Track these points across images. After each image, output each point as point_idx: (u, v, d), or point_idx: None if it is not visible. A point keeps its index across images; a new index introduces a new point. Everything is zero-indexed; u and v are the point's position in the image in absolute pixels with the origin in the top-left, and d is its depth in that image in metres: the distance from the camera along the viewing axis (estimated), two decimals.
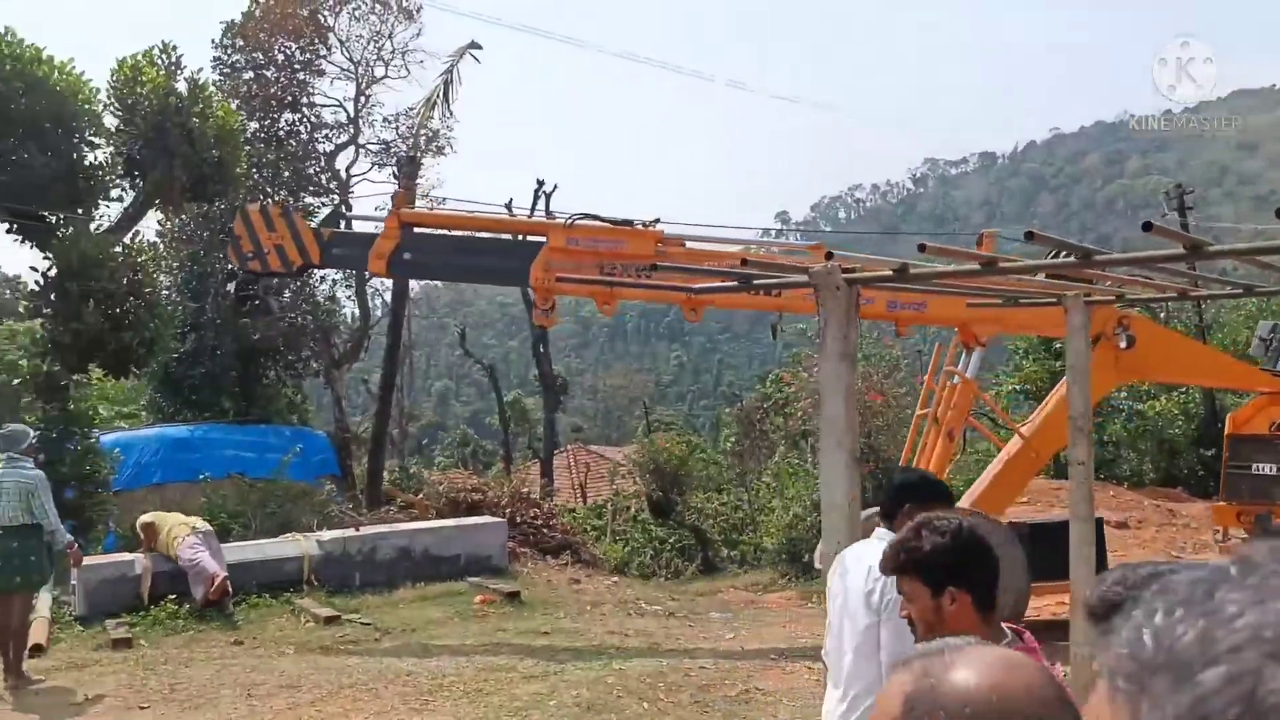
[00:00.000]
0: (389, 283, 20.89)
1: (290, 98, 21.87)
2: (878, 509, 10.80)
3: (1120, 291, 6.32)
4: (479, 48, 23.06)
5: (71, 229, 13.67)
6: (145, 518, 12.08)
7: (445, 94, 22.78)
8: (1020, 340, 23.95)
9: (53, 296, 13.41)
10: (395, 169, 22.14)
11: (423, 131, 23.46)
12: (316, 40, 22.34)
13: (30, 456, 8.94)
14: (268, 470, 15.65)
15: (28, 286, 14.34)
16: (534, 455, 30.63)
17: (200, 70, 15.70)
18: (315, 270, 17.07)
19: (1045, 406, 11.92)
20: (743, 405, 26.73)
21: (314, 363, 21.85)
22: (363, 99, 23.57)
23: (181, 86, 14.85)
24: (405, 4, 23.51)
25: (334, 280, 22.91)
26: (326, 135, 23.17)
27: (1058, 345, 20.32)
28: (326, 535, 13.14)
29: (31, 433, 9.27)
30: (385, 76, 23.69)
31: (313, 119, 22.74)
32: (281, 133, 21.79)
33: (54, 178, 13.41)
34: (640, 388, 79.56)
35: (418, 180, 20.81)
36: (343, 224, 14.04)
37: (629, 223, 10.92)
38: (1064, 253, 5.30)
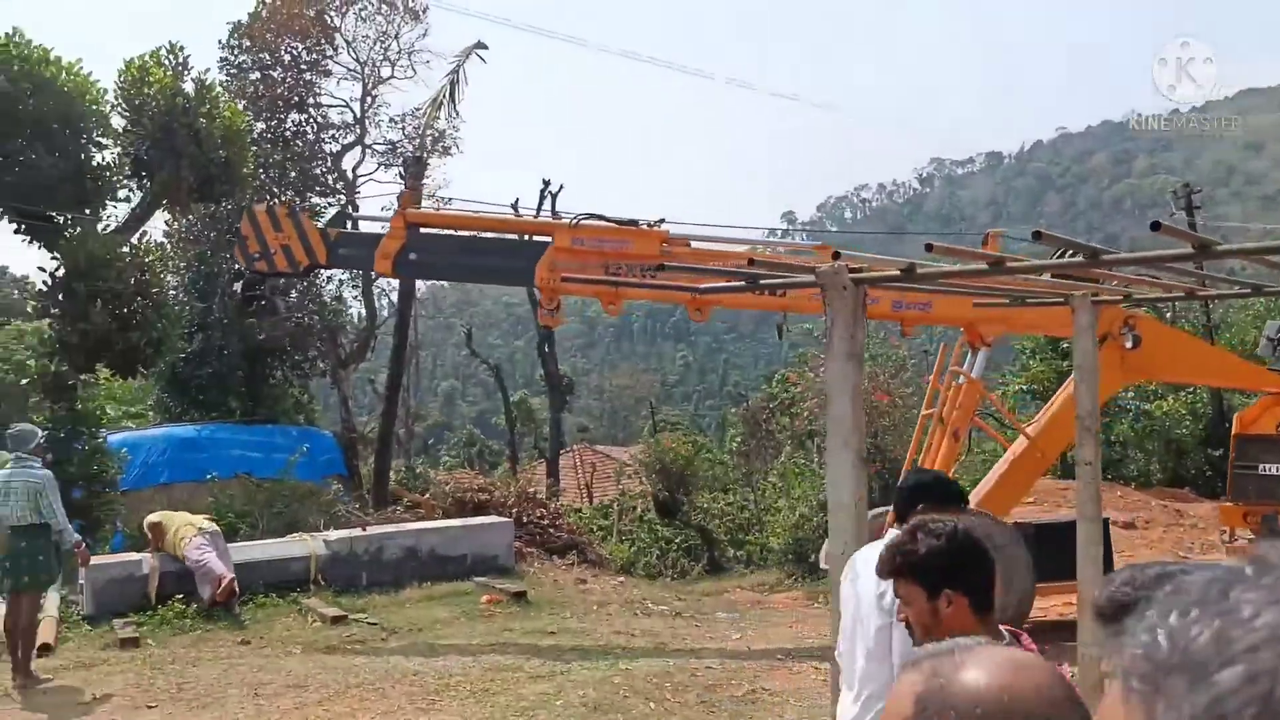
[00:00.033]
0: (395, 283, 20.91)
1: (297, 98, 21.91)
2: (885, 509, 10.81)
3: (1128, 291, 6.31)
4: (485, 48, 23.08)
5: (79, 229, 13.71)
6: (152, 517, 12.11)
7: (451, 94, 22.80)
8: (1027, 340, 23.90)
9: (60, 297, 13.44)
10: (401, 169, 22.19)
11: (429, 132, 23.49)
12: (323, 41, 22.39)
13: (38, 456, 8.97)
14: (274, 470, 15.69)
15: (35, 287, 14.38)
16: (540, 455, 30.65)
17: (207, 71, 15.75)
18: (322, 270, 17.11)
19: (1051, 406, 11.89)
20: (748, 405, 26.76)
21: (320, 363, 21.89)
22: (369, 99, 23.65)
23: (189, 87, 14.89)
24: (412, 4, 23.57)
25: (341, 280, 22.96)
26: (333, 135, 23.24)
27: (1065, 345, 20.28)
28: (333, 535, 13.16)
29: (39, 433, 9.29)
30: (392, 77, 23.77)
31: (319, 119, 22.80)
32: (288, 133, 21.84)
33: (62, 178, 13.44)
34: (646, 388, 79.54)
35: (424, 180, 20.86)
36: (349, 224, 14.08)
37: (634, 223, 10.92)
38: (1070, 252, 5.29)
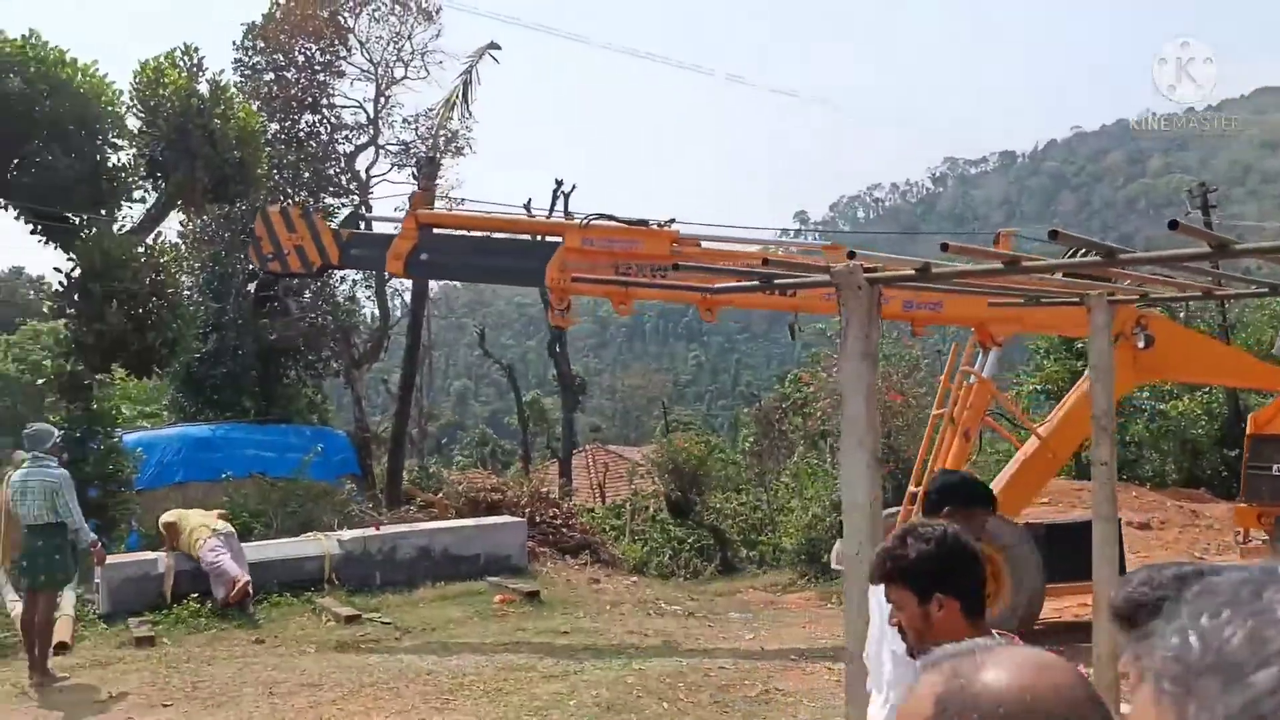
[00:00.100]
0: (409, 283, 20.97)
1: (310, 99, 21.99)
2: (896, 509, 10.74)
3: (1144, 291, 6.27)
4: (498, 48, 23.09)
5: (95, 230, 13.78)
6: (167, 517, 12.17)
7: (464, 95, 22.82)
8: (1041, 340, 23.81)
9: (76, 297, 13.52)
10: (415, 170, 22.23)
11: (442, 132, 23.52)
12: (336, 42, 22.45)
13: (55, 456, 9.02)
14: (288, 470, 15.75)
15: (51, 287, 14.46)
16: (553, 455, 30.68)
17: (221, 72, 15.80)
18: (335, 271, 17.17)
19: (1063, 406, 11.84)
20: (761, 405, 26.72)
21: (334, 363, 21.97)
22: (382, 100, 23.69)
23: (203, 88, 14.95)
24: (425, 5, 23.61)
25: (354, 281, 23.02)
26: (346, 136, 23.28)
27: (1079, 345, 20.20)
28: (347, 534, 13.20)
29: (56, 432, 9.35)
30: (405, 77, 23.81)
31: (333, 120, 22.86)
32: (302, 134, 21.91)
33: (77, 179, 13.52)
34: (658, 388, 79.52)
35: (437, 181, 20.90)
36: (362, 225, 14.11)
37: (644, 223, 10.93)
38: (1084, 251, 5.27)
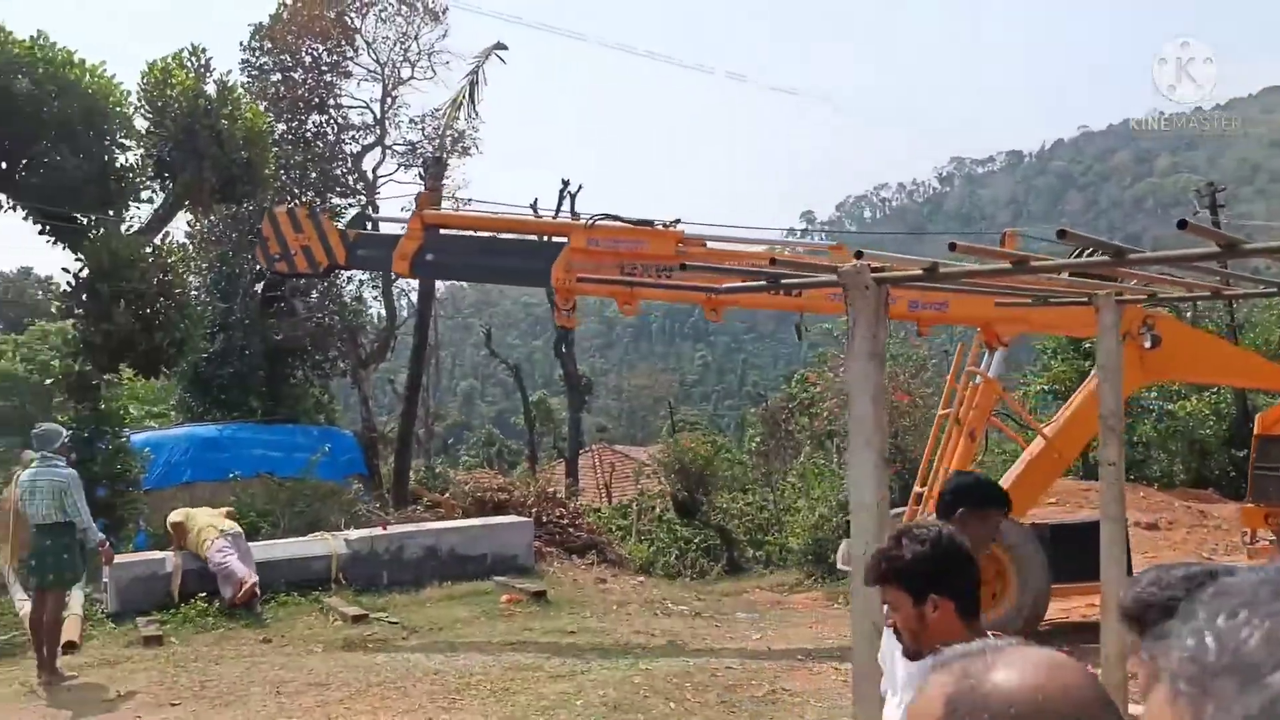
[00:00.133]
0: (415, 283, 20.98)
1: (317, 99, 22.02)
2: (902, 509, 10.72)
3: (1152, 291, 6.26)
4: (505, 48, 23.13)
5: (103, 230, 13.81)
6: (174, 516, 12.19)
7: (471, 95, 22.86)
8: (1049, 340, 23.77)
9: (84, 297, 13.55)
10: (421, 170, 22.26)
11: (449, 132, 23.55)
12: (343, 42, 22.48)
13: (63, 455, 9.06)
14: (296, 469, 15.77)
15: (60, 287, 14.50)
16: (559, 455, 30.70)
17: (229, 72, 15.83)
18: (342, 271, 17.19)
19: (1069, 407, 11.82)
20: (768, 405, 26.71)
21: (341, 363, 21.99)
22: (389, 100, 23.73)
23: (210, 89, 14.98)
24: (431, 5, 23.64)
25: (361, 281, 23.05)
26: (353, 136, 23.32)
27: (1087, 345, 20.17)
28: (354, 534, 13.22)
29: (64, 432, 9.38)
30: (411, 78, 23.84)
31: (340, 120, 22.90)
32: (309, 134, 21.94)
33: (85, 180, 13.55)
34: (665, 388, 79.54)
35: (444, 181, 20.93)
36: (369, 225, 14.13)
37: (649, 223, 10.94)
38: (1090, 251, 5.25)
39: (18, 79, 13.00)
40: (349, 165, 23.05)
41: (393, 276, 21.18)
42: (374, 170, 23.60)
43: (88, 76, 13.60)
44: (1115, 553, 5.82)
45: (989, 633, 2.75)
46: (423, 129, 24.09)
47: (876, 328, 4.08)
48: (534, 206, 17.82)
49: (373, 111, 23.58)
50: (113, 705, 8.24)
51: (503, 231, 12.18)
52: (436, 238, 11.49)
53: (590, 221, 11.14)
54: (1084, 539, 8.88)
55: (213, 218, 19.23)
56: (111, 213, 14.18)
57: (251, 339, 19.22)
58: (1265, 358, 15.83)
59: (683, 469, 19.99)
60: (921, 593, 2.65)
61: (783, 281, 5.39)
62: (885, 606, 2.79)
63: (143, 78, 14.60)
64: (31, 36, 13.37)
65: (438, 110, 24.05)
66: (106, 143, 13.99)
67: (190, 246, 19.54)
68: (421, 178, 21.64)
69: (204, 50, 15.30)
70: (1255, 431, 13.02)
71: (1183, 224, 3.86)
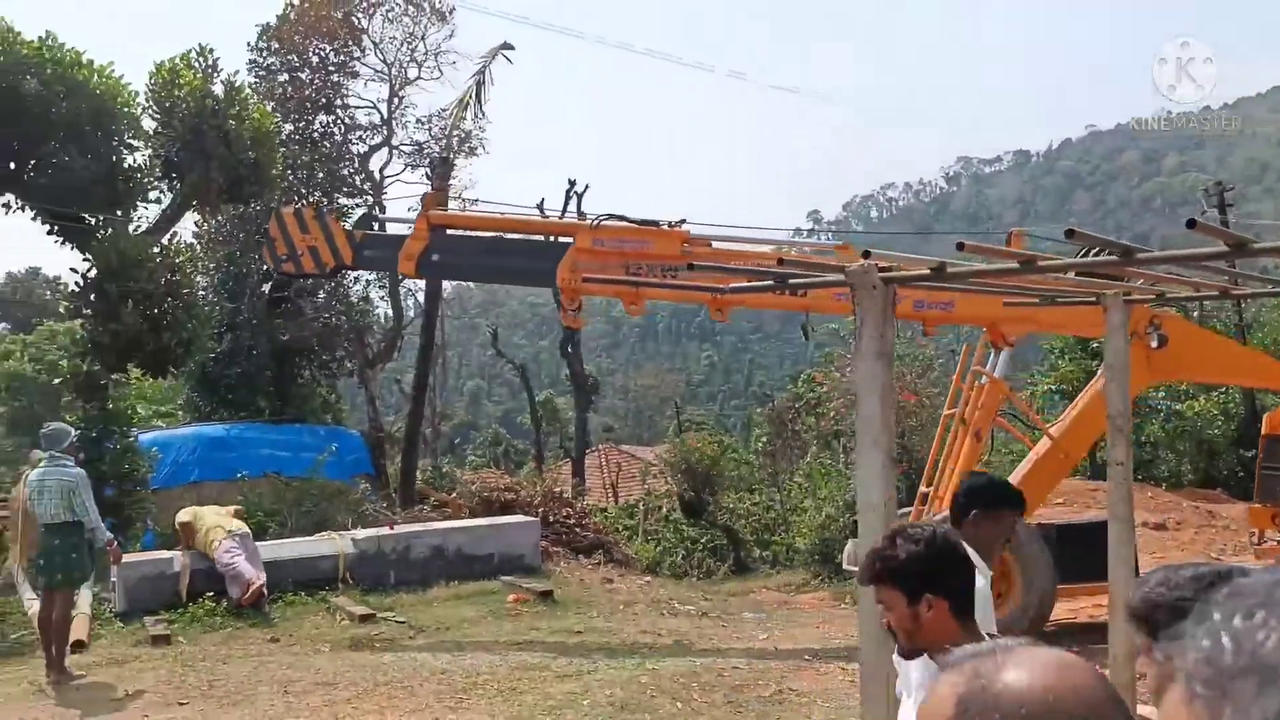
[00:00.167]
0: (422, 283, 21.03)
1: (324, 99, 22.07)
2: (908, 510, 10.67)
3: (1160, 290, 6.24)
4: (511, 48, 23.13)
5: (111, 230, 13.85)
6: (183, 515, 12.21)
7: (478, 95, 22.88)
8: (1056, 340, 23.71)
9: (92, 297, 13.60)
10: (428, 170, 22.28)
11: (455, 133, 23.57)
12: (350, 42, 22.52)
13: (71, 455, 9.08)
14: (303, 469, 15.80)
15: (68, 287, 14.55)
16: (566, 455, 30.69)
17: (236, 73, 15.88)
18: (348, 271, 17.22)
19: (1075, 407, 11.79)
20: (774, 405, 26.66)
21: (348, 363, 22.03)
22: (396, 100, 23.76)
23: (218, 89, 15.02)
24: (438, 5, 23.67)
25: (368, 281, 23.09)
26: (360, 137, 23.37)
27: (1094, 345, 20.11)
28: (361, 534, 13.24)
29: (72, 432, 9.40)
30: (418, 78, 23.87)
31: (347, 120, 22.94)
32: (316, 134, 21.99)
33: (94, 180, 13.60)
34: (671, 388, 79.50)
35: (451, 181, 20.94)
36: (376, 226, 14.14)
37: (654, 223, 10.94)
38: (1097, 250, 5.24)
39: (26, 79, 13.05)
40: (356, 165, 23.09)
41: (399, 277, 21.22)
42: (381, 170, 23.66)
43: (96, 77, 13.65)
44: (1123, 553, 5.80)
45: (987, 633, 2.75)
46: (429, 129, 24.14)
47: (884, 327, 4.07)
48: (540, 206, 17.78)
49: (380, 112, 23.63)
50: (121, 704, 8.26)
51: (508, 232, 12.19)
52: (442, 238, 11.50)
53: (595, 222, 11.15)
54: (1090, 539, 8.86)
55: (220, 218, 19.28)
56: (119, 213, 14.23)
57: (259, 339, 19.26)
58: (1273, 357, 15.75)
59: (689, 469, 19.99)
60: (915, 592, 2.65)
61: (790, 282, 5.38)
62: (880, 606, 2.79)
63: (150, 78, 14.65)
64: (40, 37, 13.42)
65: (444, 110, 24.09)
66: (114, 143, 14.03)
67: (198, 247, 19.60)
68: (428, 178, 21.66)
69: (211, 51, 15.36)
70: (1263, 431, 12.97)
71: (1192, 223, 3.85)
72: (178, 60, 14.82)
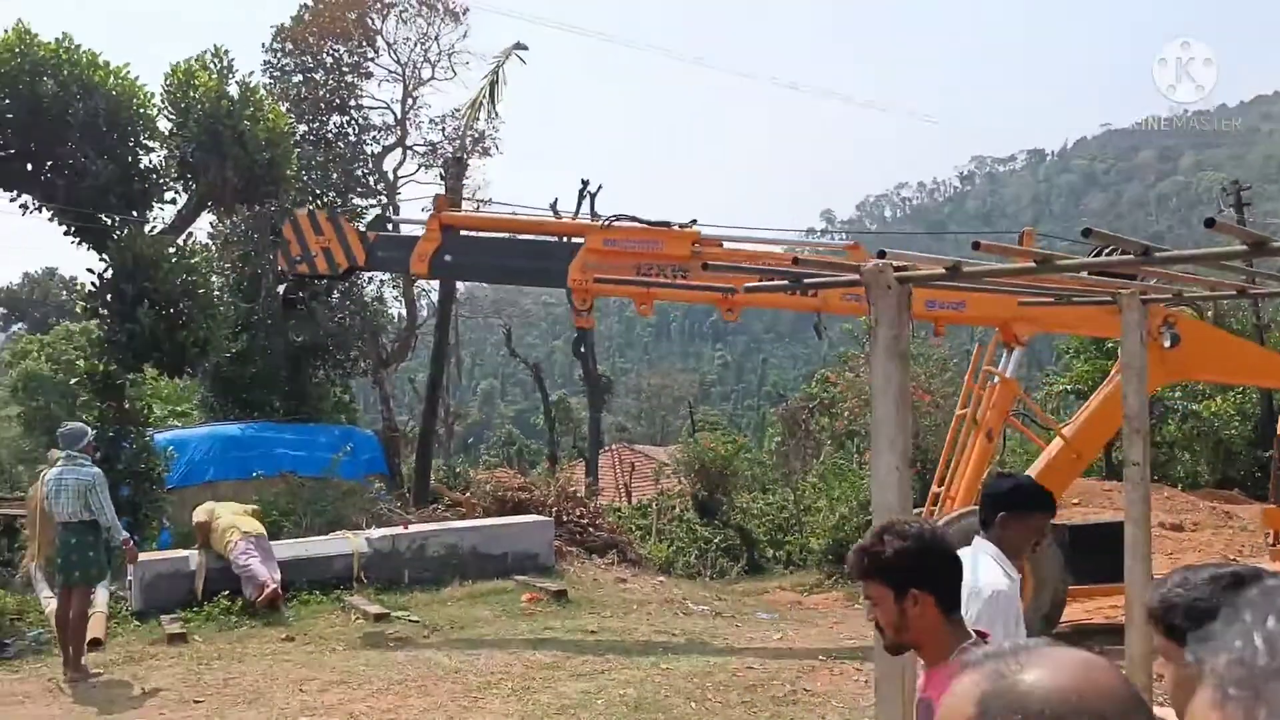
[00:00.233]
0: (436, 283, 21.07)
1: (339, 100, 22.15)
2: (920, 509, 10.63)
3: (1178, 290, 6.20)
4: (525, 48, 23.18)
5: (127, 231, 13.93)
6: (199, 514, 12.24)
7: (491, 95, 22.93)
8: (1071, 340, 23.63)
9: (109, 297, 13.67)
10: (442, 170, 22.34)
11: (469, 133, 23.64)
12: (364, 43, 22.62)
13: (88, 454, 9.12)
14: (317, 468, 15.84)
15: (84, 288, 14.63)
16: (579, 454, 30.73)
17: (251, 74, 15.96)
18: (362, 272, 17.28)
19: (1087, 407, 11.73)
20: (788, 405, 26.65)
21: (362, 362, 22.09)
22: (410, 101, 23.86)
23: (233, 90, 15.08)
24: (452, 6, 23.74)
25: (381, 281, 23.17)
26: (374, 137, 23.47)
27: (1109, 345, 20.03)
28: (376, 533, 13.26)
29: (89, 431, 9.46)
30: (432, 78, 23.99)
31: (361, 121, 23.03)
32: (330, 135, 22.07)
33: (110, 181, 13.68)
34: (684, 387, 79.41)
35: (464, 181, 20.99)
36: (389, 226, 14.17)
37: (665, 224, 10.95)
38: (1111, 249, 5.21)
39: (43, 81, 13.14)
40: (370, 166, 23.17)
41: (412, 277, 21.28)
42: (395, 171, 23.76)
43: (112, 78, 13.73)
44: (1141, 554, 5.77)
45: (973, 631, 2.75)
46: (443, 129, 24.24)
47: (899, 327, 4.05)
48: (554, 207, 17.87)
49: (393, 112, 23.73)
50: (137, 702, 8.30)
51: (520, 232, 12.21)
52: (454, 239, 11.53)
53: (606, 222, 11.16)
54: (1105, 540, 8.82)
55: (235, 218, 19.36)
56: (135, 214, 14.30)
57: (273, 339, 19.33)
58: None
59: (702, 469, 19.99)
60: (903, 587, 2.64)
61: (804, 281, 5.37)
62: (868, 601, 2.79)
63: (166, 79, 14.73)
64: (57, 39, 13.51)
65: (458, 110, 24.18)
66: (131, 144, 14.12)
67: (213, 247, 19.70)
68: (442, 178, 21.72)
69: (227, 52, 15.43)
70: (1279, 432, 12.89)
71: (1210, 222, 3.83)
72: (193, 61, 14.89)
